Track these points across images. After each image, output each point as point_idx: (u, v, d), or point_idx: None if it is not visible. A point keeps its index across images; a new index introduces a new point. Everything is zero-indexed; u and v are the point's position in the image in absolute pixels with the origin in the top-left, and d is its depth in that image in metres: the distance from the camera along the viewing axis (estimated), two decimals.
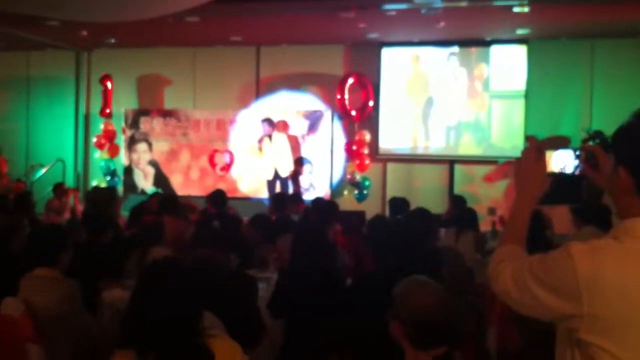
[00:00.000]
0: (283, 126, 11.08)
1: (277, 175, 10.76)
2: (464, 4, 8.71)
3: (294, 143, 11.04)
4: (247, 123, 11.61)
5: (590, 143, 9.76)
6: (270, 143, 10.72)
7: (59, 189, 9.58)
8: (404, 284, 2.46)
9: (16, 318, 3.33)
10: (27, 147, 12.96)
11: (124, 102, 12.43)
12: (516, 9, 8.81)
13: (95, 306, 3.97)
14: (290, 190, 10.42)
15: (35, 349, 3.29)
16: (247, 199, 11.11)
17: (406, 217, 6.16)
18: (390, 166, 11.58)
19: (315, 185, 11.23)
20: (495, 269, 1.79)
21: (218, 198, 7.49)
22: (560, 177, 1.90)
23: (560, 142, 2.37)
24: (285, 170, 10.72)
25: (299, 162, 10.82)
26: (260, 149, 10.79)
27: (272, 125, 10.80)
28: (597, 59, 10.68)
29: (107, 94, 12.14)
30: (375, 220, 5.58)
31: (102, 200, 7.70)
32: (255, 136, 11.31)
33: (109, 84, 12.11)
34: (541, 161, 1.87)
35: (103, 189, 10.13)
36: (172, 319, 2.21)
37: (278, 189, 10.67)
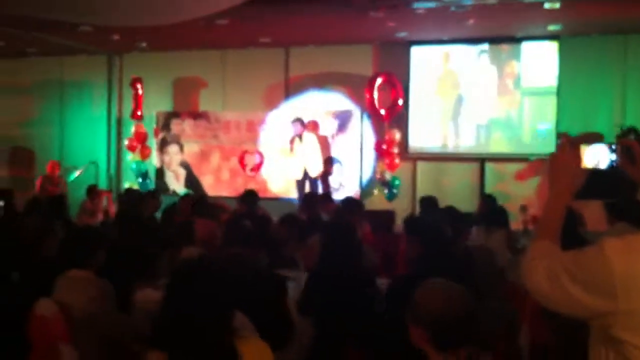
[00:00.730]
0: (313, 126, 11.09)
1: (306, 175, 10.78)
2: (493, 0, 8.63)
3: (324, 143, 11.04)
4: (276, 124, 11.67)
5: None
6: (301, 143, 10.75)
7: (92, 191, 9.72)
8: (422, 288, 2.46)
9: (49, 318, 3.37)
10: (61, 150, 13.18)
11: (157, 105, 12.57)
12: (547, 5, 8.71)
13: (128, 306, 4.02)
14: (320, 190, 10.45)
15: (68, 349, 3.33)
16: (277, 199, 11.16)
17: (435, 217, 6.15)
18: (421, 165, 11.52)
19: (345, 184, 11.23)
20: (529, 265, 1.77)
21: (250, 198, 7.54)
22: (595, 172, 1.86)
23: (593, 138, 2.35)
24: (315, 170, 10.73)
25: (329, 162, 10.83)
26: (291, 149, 10.82)
27: (303, 125, 10.83)
28: (630, 55, 10.49)
29: (138, 97, 12.30)
30: (411, 220, 5.55)
31: (134, 201, 7.82)
32: (285, 137, 11.35)
33: (139, 87, 12.25)
34: (576, 155, 1.85)
35: (136, 190, 10.27)
36: (202, 318, 2.22)
37: (307, 189, 10.68)
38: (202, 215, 6.13)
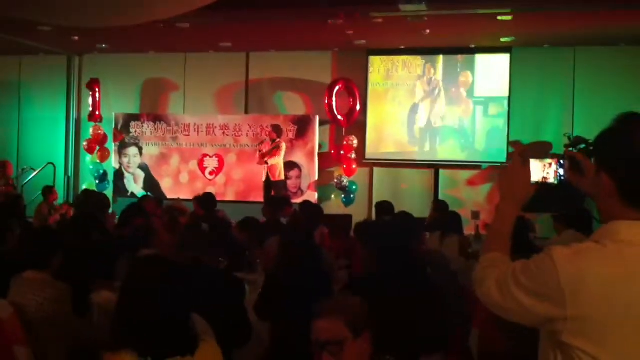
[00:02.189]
0: (283, 132, 11.17)
1: (269, 179, 10.80)
2: (449, 12, 8.82)
3: (288, 148, 11.15)
4: (236, 128, 11.72)
5: (571, 149, 9.92)
6: (270, 147, 10.79)
7: (48, 191, 9.60)
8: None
9: (4, 320, 3.32)
10: (18, 151, 13.00)
11: (116, 106, 12.49)
12: (500, 17, 8.95)
13: (85, 308, 4.03)
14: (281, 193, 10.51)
15: (24, 352, 3.30)
16: (235, 203, 11.18)
17: (390, 220, 6.27)
18: (377, 171, 11.69)
19: (303, 189, 11.33)
20: (480, 275, 1.82)
21: (207, 201, 7.58)
22: (544, 185, 1.90)
23: (543, 148, 2.40)
24: (280, 174, 10.81)
25: (288, 166, 10.92)
26: (261, 151, 10.81)
27: (278, 131, 10.86)
28: (579, 66, 10.85)
29: (95, 99, 12.21)
30: (361, 225, 5.64)
31: (91, 203, 7.76)
32: (244, 140, 11.50)
33: (97, 89, 12.17)
34: (526, 168, 1.89)
35: (93, 191, 10.18)
36: (158, 317, 2.24)
37: (270, 192, 10.70)
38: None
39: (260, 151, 10.80)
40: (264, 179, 10.81)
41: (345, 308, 2.29)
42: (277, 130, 10.83)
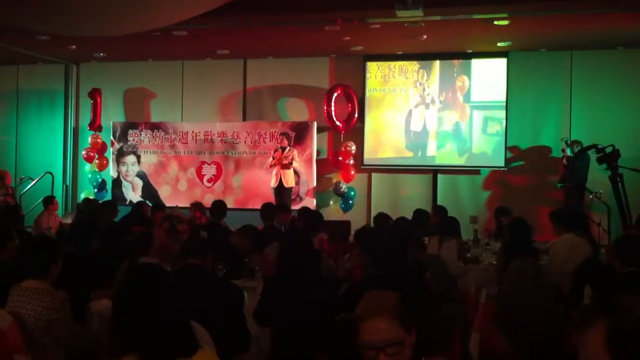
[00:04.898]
0: (294, 140, 11.22)
1: (281, 186, 10.81)
2: (445, 17, 8.83)
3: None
4: (234, 135, 11.72)
5: (568, 151, 9.94)
6: (282, 155, 10.83)
7: (49, 201, 9.60)
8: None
9: (4, 330, 3.32)
10: (16, 160, 12.99)
11: (115, 115, 12.51)
12: (496, 22, 8.97)
13: (85, 316, 4.03)
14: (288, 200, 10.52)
15: None
16: (234, 210, 11.15)
17: (390, 227, 6.28)
18: (375, 176, 11.68)
19: (302, 195, 11.32)
20: None
21: (218, 208, 7.60)
22: None
23: None
24: (291, 181, 10.83)
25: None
26: (274, 158, 10.86)
27: (289, 138, 10.94)
28: (576, 70, 10.85)
29: (97, 108, 12.21)
30: (362, 231, 5.65)
31: (91, 211, 7.77)
32: (242, 148, 11.55)
33: (98, 98, 12.18)
34: None
35: (94, 200, 10.19)
36: (154, 325, 2.22)
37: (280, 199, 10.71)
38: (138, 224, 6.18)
39: (274, 158, 10.84)
40: (275, 185, 10.80)
41: (394, 306, 2.19)
42: (287, 137, 10.92)
